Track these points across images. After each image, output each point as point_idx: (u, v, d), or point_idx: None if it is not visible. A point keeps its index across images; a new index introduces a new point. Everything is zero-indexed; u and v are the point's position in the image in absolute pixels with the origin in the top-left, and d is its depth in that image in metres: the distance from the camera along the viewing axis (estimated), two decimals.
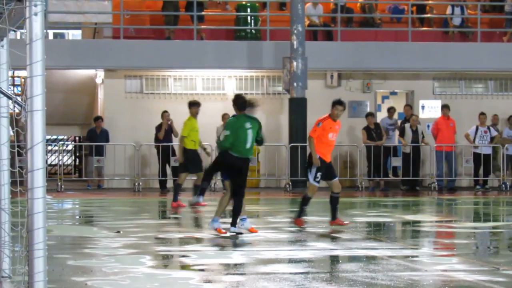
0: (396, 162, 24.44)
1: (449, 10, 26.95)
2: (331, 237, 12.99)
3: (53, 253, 10.40)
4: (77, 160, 32.23)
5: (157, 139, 23.37)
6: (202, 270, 9.79)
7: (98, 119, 24.45)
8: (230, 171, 13.03)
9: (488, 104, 26.02)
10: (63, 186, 23.22)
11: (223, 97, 24.71)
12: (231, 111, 13.70)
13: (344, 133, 25.17)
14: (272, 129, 24.90)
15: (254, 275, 9.28)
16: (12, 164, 7.67)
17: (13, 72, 27.76)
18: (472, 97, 26.33)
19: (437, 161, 24.37)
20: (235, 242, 12.30)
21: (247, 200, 13.62)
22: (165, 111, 23.18)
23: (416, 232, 14.16)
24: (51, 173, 26.86)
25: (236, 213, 12.94)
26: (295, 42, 23.69)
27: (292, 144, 23.40)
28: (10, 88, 7.81)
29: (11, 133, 7.92)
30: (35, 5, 5.98)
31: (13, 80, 28.45)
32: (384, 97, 27.36)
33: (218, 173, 15.27)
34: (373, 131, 24.14)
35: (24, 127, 6.12)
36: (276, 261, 10.32)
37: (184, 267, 10.22)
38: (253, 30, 25.78)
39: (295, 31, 23.73)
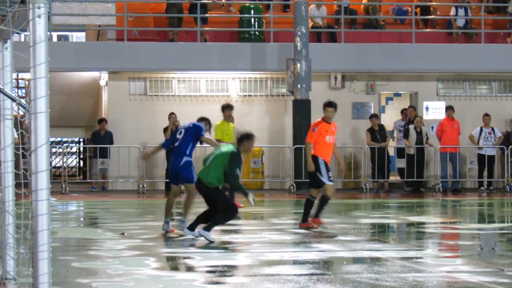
0: (401, 163, 24.43)
1: (453, 11, 26.94)
2: (335, 238, 12.98)
3: (58, 255, 10.41)
4: (82, 162, 32.23)
5: None
6: (206, 271, 9.79)
7: (102, 121, 24.45)
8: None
9: (492, 105, 25.98)
10: (67, 188, 23.24)
11: (227, 99, 24.67)
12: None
13: (348, 135, 25.17)
14: (276, 130, 24.94)
15: (258, 276, 9.28)
16: (16, 166, 7.67)
17: (17, 75, 27.82)
18: (476, 98, 26.28)
19: (442, 162, 24.33)
20: (239, 244, 12.30)
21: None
22: (172, 113, 23.16)
23: (421, 234, 14.14)
24: (56, 175, 26.88)
25: (214, 222, 12.38)
26: (298, 44, 23.70)
27: (296, 145, 23.38)
28: (14, 90, 7.82)
29: (16, 135, 7.93)
30: (39, 8, 5.99)
31: (17, 83, 28.49)
32: (388, 99, 27.34)
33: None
34: (377, 133, 24.13)
35: (28, 129, 6.13)
36: (280, 263, 10.32)
37: (188, 268, 10.23)
38: (256, 32, 25.78)
39: (299, 33, 23.74)
